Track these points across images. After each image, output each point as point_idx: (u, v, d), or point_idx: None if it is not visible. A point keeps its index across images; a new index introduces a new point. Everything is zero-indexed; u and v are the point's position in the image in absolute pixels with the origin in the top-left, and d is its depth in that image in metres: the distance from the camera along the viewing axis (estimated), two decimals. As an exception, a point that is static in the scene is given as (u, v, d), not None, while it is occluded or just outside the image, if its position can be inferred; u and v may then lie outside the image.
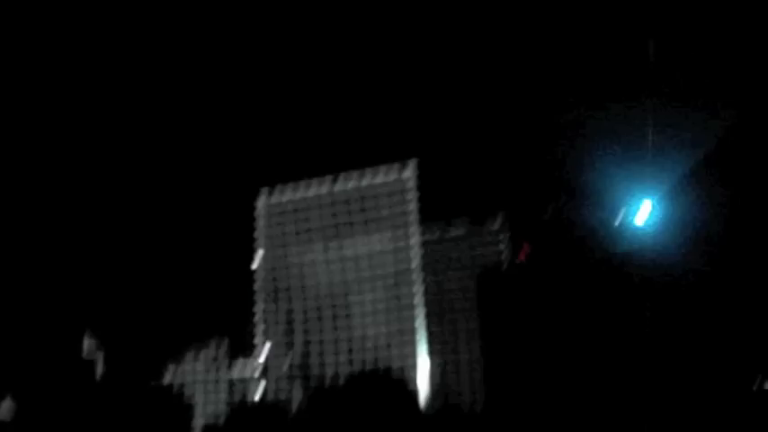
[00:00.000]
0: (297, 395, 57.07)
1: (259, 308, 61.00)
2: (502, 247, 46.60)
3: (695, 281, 12.15)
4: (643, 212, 11.15)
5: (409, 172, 48.92)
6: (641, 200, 11.10)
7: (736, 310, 12.02)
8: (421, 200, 47.67)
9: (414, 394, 52.26)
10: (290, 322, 60.88)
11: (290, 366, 59.19)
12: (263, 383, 59.61)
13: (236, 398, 61.73)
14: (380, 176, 50.14)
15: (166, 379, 63.38)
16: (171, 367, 63.12)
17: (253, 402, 60.16)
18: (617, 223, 12.49)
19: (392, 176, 49.23)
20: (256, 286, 60.04)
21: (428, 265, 51.74)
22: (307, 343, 58.86)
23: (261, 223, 59.44)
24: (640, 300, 12.30)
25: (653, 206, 11.10)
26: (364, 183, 49.84)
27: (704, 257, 12.01)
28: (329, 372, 58.08)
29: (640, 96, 10.79)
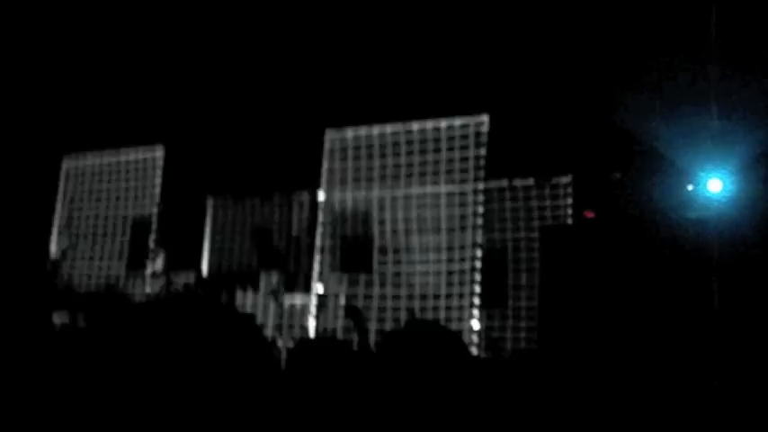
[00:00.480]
0: (351, 329, 56.30)
1: (320, 241, 59.92)
2: (569, 200, 45.15)
3: (763, 257, 11.71)
4: (715, 183, 10.80)
5: (482, 120, 47.01)
6: (713, 172, 10.77)
7: None
8: (489, 153, 45.83)
9: (465, 339, 51.54)
10: (350, 257, 60.17)
11: (348, 299, 58.41)
12: (316, 316, 58.94)
13: (293, 330, 61.30)
14: (453, 122, 48.46)
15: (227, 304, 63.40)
16: (226, 295, 62.77)
17: (308, 335, 59.70)
18: (688, 191, 12.04)
19: (464, 122, 47.52)
20: (319, 221, 59.06)
21: (493, 212, 49.98)
22: (366, 280, 58.07)
23: (326, 160, 58.16)
24: (707, 269, 11.94)
25: (724, 178, 10.75)
26: (434, 126, 48.34)
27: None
28: (387, 306, 57.46)
29: (711, 70, 10.36)
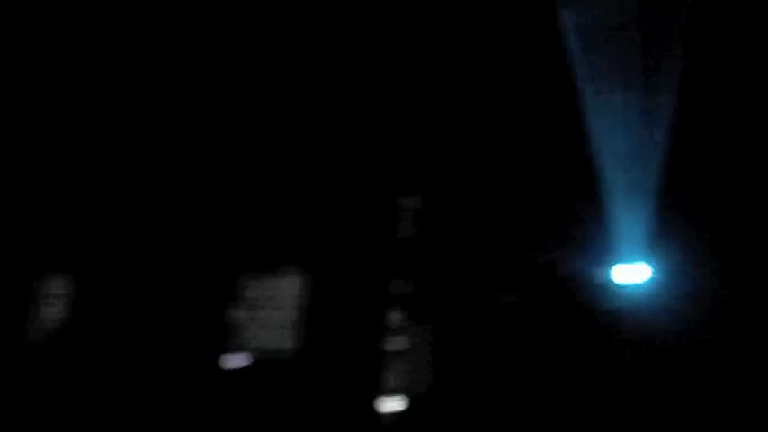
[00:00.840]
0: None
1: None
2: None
3: (686, 343, 11.80)
4: (636, 271, 10.86)
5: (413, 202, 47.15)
6: (635, 258, 10.81)
7: (730, 375, 11.63)
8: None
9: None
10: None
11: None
12: None
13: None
14: None
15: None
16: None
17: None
18: (608, 279, 12.13)
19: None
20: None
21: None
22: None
23: None
24: (626, 357, 11.95)
25: (647, 266, 10.81)
26: None
27: (697, 322, 11.70)
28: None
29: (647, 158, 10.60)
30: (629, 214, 10.10)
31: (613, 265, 10.28)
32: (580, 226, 10.20)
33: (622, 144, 10.40)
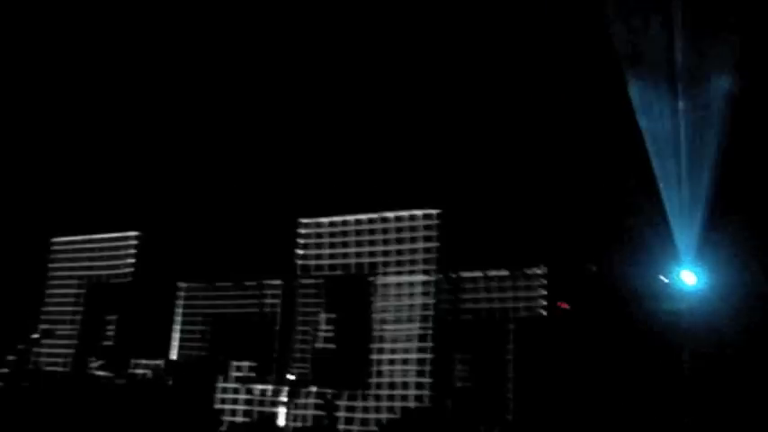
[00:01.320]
0: (324, 419, 57.28)
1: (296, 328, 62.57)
2: (542, 292, 46.20)
3: (738, 348, 11.76)
4: (690, 275, 10.88)
5: (431, 213, 49.21)
6: (688, 263, 10.88)
7: None
8: (461, 245, 48.41)
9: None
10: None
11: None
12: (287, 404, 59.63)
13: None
14: (413, 216, 50.96)
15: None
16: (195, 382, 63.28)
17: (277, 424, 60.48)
18: (663, 284, 12.19)
19: (415, 215, 49.84)
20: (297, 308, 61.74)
21: (464, 302, 51.85)
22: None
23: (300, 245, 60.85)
24: (682, 361, 11.94)
25: (700, 270, 10.87)
26: (398, 219, 50.99)
27: (750, 325, 11.65)
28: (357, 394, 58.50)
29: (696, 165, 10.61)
30: (686, 221, 10.43)
31: (673, 269, 10.61)
32: (639, 233, 10.57)
33: (678, 150, 10.72)
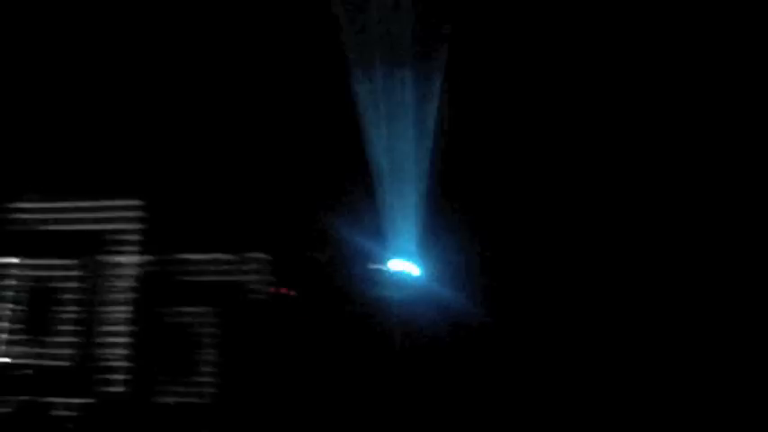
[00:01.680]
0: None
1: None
2: (266, 277, 44.90)
3: (448, 338, 12.81)
4: (407, 264, 11.73)
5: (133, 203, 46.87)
6: (406, 253, 11.68)
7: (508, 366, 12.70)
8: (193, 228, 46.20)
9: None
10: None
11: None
12: None
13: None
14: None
15: None
16: None
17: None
18: (381, 273, 12.93)
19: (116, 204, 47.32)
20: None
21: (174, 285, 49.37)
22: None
23: None
24: (392, 348, 12.78)
25: (418, 260, 11.72)
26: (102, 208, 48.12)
27: (462, 317, 12.75)
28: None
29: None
30: (403, 214, 10.99)
31: (387, 259, 11.15)
32: (355, 224, 10.96)
33: (397, 146, 11.21)
